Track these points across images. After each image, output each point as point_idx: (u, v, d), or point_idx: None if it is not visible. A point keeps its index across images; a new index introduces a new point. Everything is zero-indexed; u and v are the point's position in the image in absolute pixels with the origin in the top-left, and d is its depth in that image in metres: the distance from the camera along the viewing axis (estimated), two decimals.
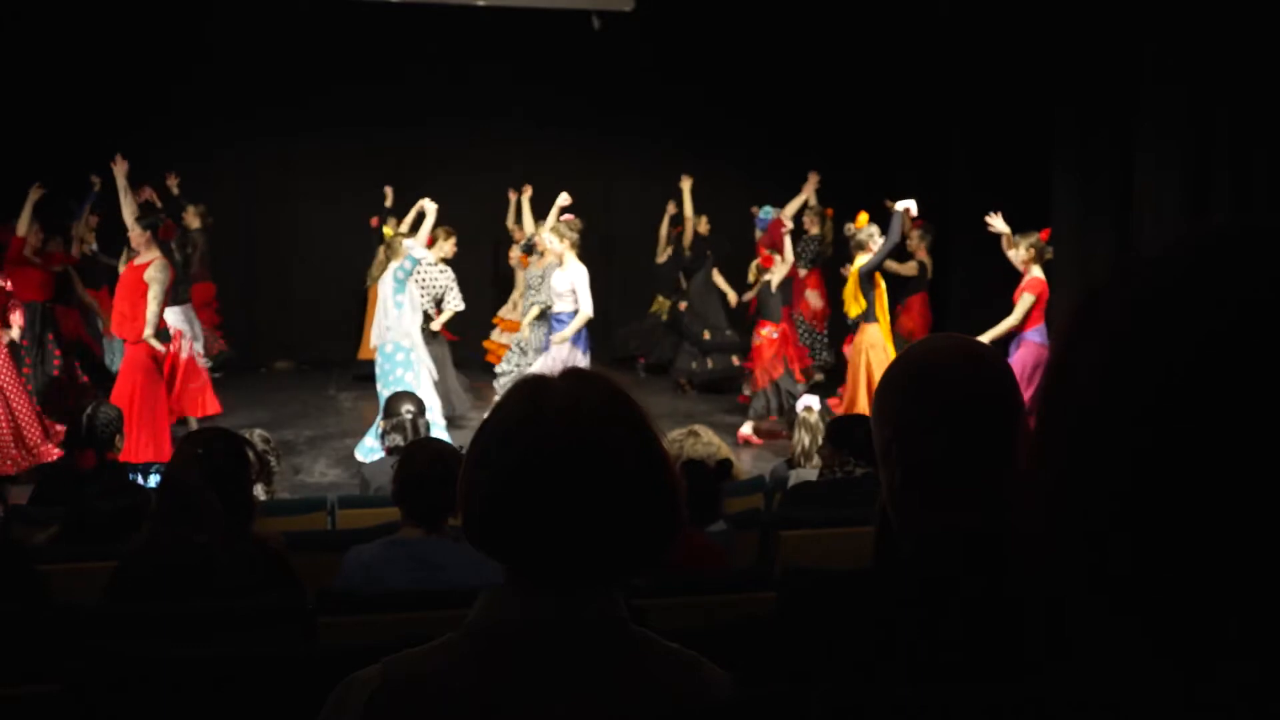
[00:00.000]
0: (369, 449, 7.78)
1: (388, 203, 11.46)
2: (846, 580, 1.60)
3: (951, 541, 1.35)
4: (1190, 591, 0.51)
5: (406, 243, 8.18)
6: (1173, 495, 0.51)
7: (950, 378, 1.37)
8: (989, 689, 0.87)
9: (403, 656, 1.25)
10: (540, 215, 9.92)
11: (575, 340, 8.38)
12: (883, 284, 8.56)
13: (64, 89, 11.55)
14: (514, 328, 10.55)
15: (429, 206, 8.46)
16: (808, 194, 10.17)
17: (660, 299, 11.90)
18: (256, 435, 5.03)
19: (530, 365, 8.91)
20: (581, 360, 8.38)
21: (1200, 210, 7.83)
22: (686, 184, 10.92)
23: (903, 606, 1.34)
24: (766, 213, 9.97)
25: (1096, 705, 0.57)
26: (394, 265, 8.15)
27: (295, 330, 12.97)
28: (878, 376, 8.01)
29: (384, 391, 7.75)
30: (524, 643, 1.23)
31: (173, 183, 10.48)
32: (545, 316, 8.84)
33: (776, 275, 9.10)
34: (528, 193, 10.90)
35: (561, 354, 8.34)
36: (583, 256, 8.48)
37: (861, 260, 8.25)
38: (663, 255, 11.84)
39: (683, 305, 10.98)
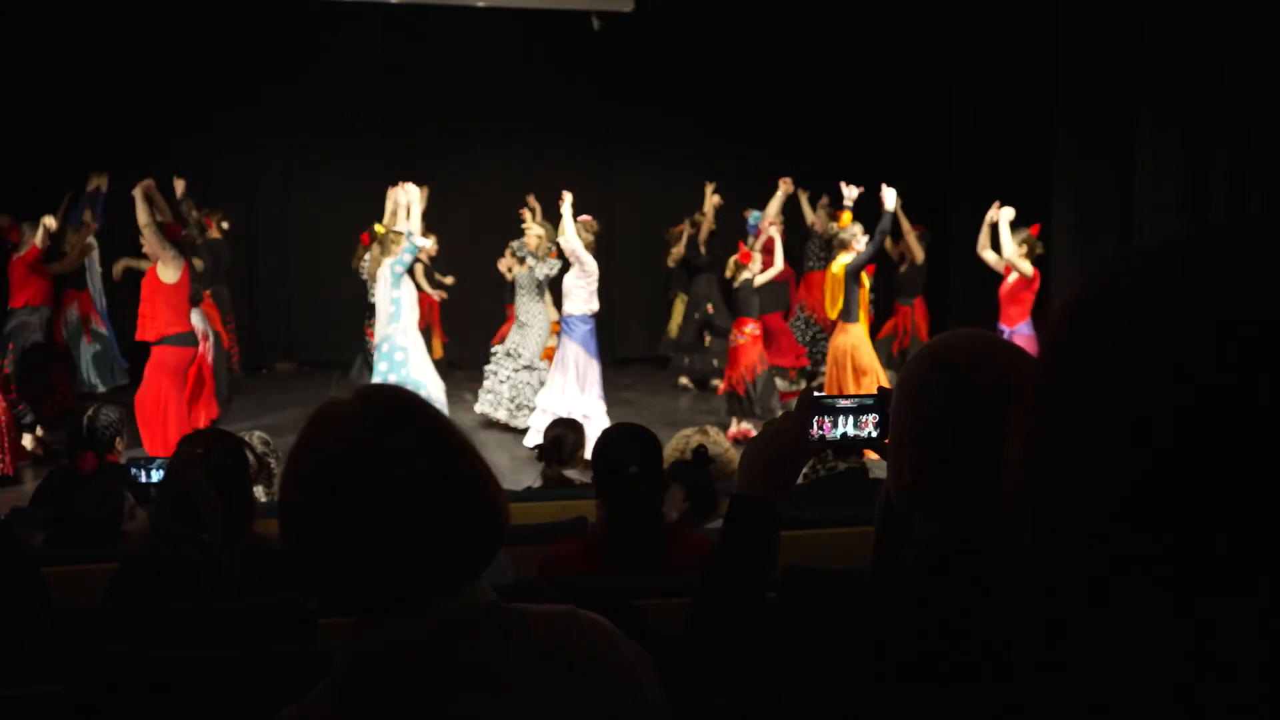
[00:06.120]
0: None
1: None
2: (846, 580, 1.59)
3: (955, 542, 1.34)
4: (1192, 592, 0.51)
5: (404, 230, 7.92)
6: (1177, 494, 0.50)
7: (978, 377, 1.34)
8: (989, 690, 0.87)
9: (288, 713, 1.25)
10: (543, 216, 9.87)
11: (583, 341, 8.35)
12: (866, 284, 8.59)
13: (63, 89, 11.55)
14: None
15: (404, 197, 7.95)
16: (782, 196, 9.87)
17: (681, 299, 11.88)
18: (256, 437, 5.01)
19: (528, 373, 8.90)
20: (590, 362, 8.33)
21: (1201, 204, 7.84)
22: (710, 189, 10.71)
23: (903, 607, 1.33)
24: (756, 217, 9.96)
25: (1096, 706, 0.57)
26: (389, 261, 8.03)
27: (296, 331, 12.96)
28: (858, 376, 8.03)
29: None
30: (395, 665, 1.23)
31: (179, 186, 10.39)
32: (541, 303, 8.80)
33: (753, 273, 8.98)
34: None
35: (572, 356, 8.33)
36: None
37: (844, 259, 8.23)
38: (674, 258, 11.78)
39: (710, 308, 10.87)
